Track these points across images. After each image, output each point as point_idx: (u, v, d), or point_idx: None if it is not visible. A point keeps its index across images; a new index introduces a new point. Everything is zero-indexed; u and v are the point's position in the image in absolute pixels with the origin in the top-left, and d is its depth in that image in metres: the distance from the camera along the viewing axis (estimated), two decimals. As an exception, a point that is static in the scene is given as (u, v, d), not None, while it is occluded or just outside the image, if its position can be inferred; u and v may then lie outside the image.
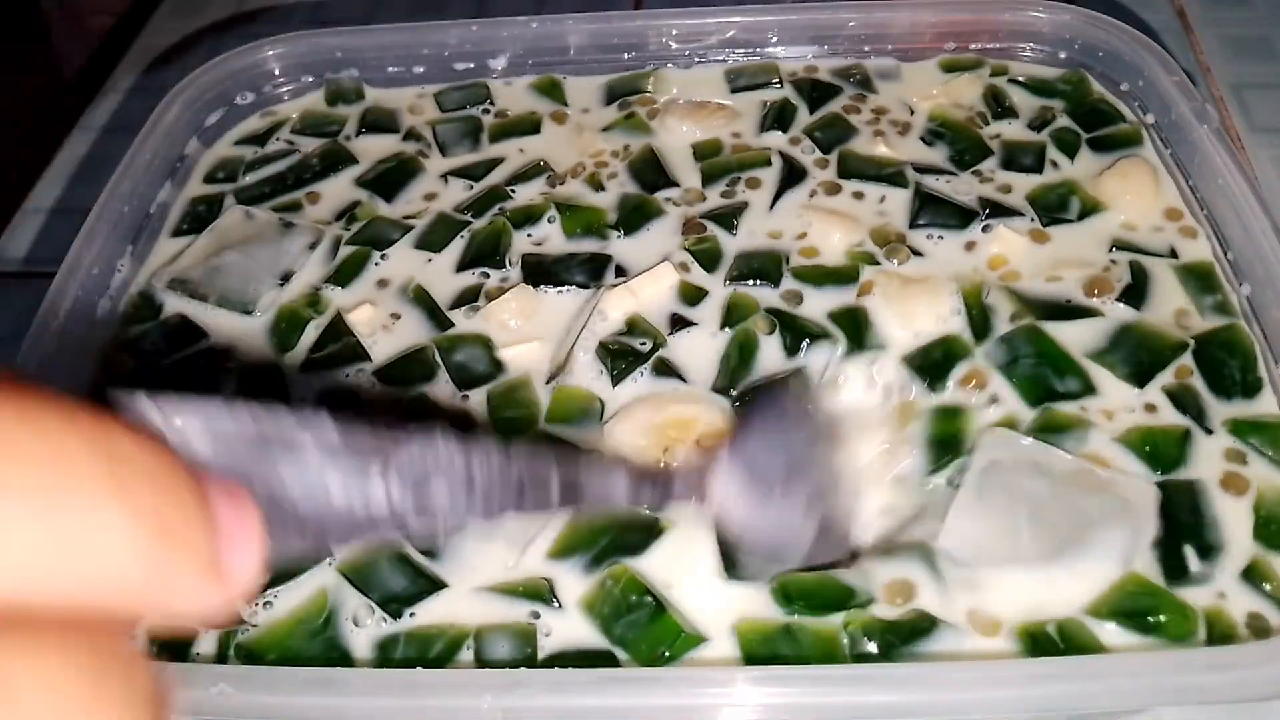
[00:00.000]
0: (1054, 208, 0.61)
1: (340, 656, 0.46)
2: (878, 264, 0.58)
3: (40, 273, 0.73)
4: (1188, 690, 0.40)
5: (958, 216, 0.60)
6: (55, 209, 0.77)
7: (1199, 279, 0.57)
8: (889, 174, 0.63)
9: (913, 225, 0.60)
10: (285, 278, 0.61)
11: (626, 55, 0.71)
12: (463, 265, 0.61)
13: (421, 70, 0.71)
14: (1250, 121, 0.77)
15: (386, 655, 0.46)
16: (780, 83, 0.70)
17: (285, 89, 0.71)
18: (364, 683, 0.42)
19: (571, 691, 0.41)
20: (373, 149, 0.69)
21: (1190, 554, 0.46)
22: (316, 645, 0.47)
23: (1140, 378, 0.52)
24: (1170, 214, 0.60)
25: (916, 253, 0.59)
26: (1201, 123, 0.59)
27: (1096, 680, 0.40)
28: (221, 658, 0.46)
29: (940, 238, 0.60)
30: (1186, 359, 0.53)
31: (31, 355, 0.53)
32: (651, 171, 0.65)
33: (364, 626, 0.47)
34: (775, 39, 0.71)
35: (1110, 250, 0.58)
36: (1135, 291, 0.56)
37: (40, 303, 0.55)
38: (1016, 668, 0.43)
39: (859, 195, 0.63)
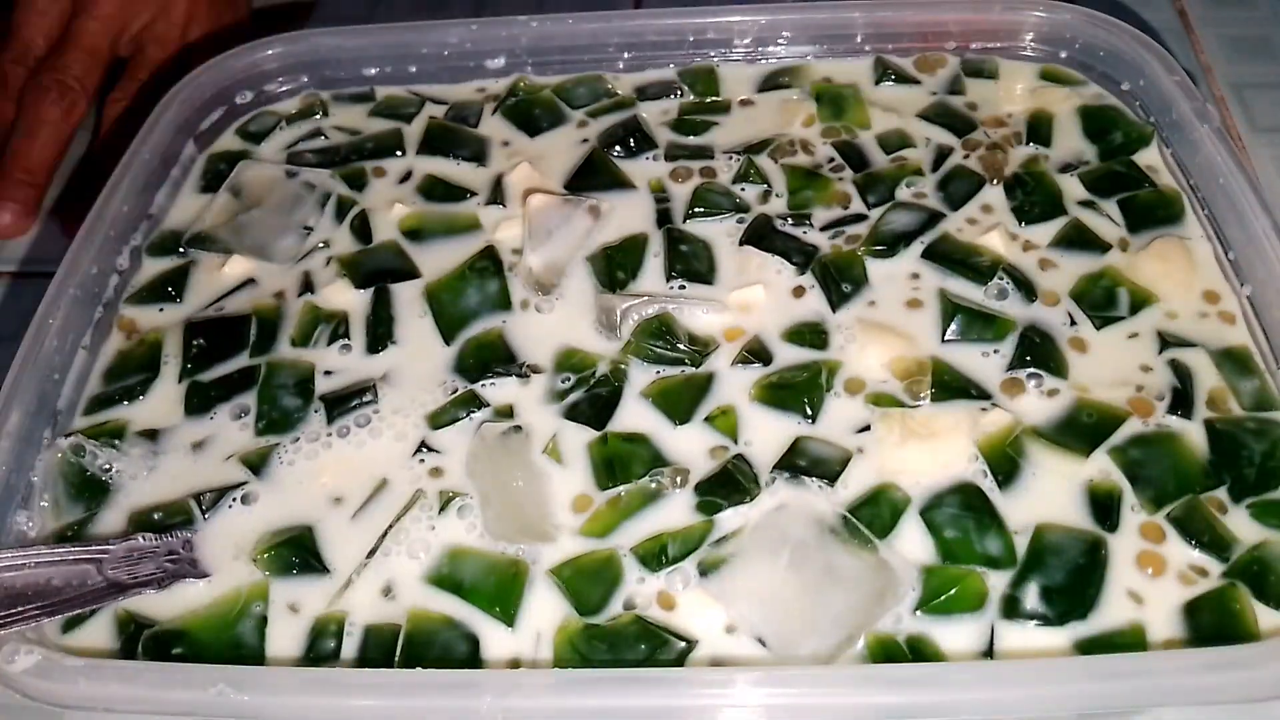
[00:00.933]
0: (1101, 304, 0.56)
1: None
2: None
3: (40, 273, 0.73)
4: (1188, 690, 0.40)
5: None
6: (55, 209, 0.77)
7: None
8: None
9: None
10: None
11: (627, 55, 0.71)
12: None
13: (420, 70, 0.71)
14: (1251, 121, 0.77)
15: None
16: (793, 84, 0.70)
17: (284, 89, 0.71)
18: (364, 683, 0.42)
19: (571, 692, 0.41)
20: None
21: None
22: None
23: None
24: (1209, 296, 0.57)
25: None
26: (1202, 122, 0.59)
27: (1097, 680, 0.40)
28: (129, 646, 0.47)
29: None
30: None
31: (31, 355, 0.53)
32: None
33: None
34: (777, 38, 0.70)
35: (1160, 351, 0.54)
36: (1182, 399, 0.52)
37: (40, 303, 0.55)
38: (1017, 668, 0.43)
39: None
